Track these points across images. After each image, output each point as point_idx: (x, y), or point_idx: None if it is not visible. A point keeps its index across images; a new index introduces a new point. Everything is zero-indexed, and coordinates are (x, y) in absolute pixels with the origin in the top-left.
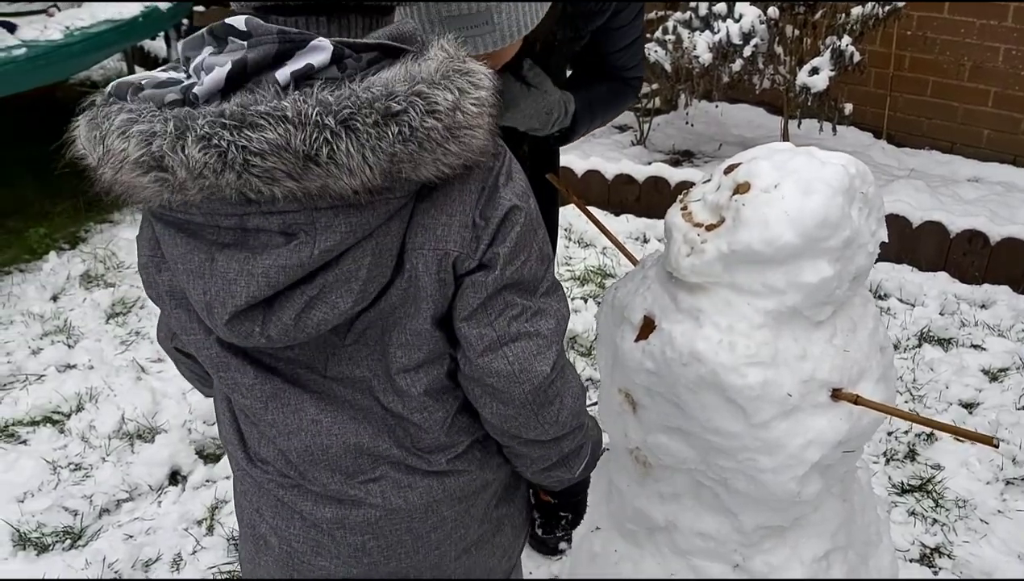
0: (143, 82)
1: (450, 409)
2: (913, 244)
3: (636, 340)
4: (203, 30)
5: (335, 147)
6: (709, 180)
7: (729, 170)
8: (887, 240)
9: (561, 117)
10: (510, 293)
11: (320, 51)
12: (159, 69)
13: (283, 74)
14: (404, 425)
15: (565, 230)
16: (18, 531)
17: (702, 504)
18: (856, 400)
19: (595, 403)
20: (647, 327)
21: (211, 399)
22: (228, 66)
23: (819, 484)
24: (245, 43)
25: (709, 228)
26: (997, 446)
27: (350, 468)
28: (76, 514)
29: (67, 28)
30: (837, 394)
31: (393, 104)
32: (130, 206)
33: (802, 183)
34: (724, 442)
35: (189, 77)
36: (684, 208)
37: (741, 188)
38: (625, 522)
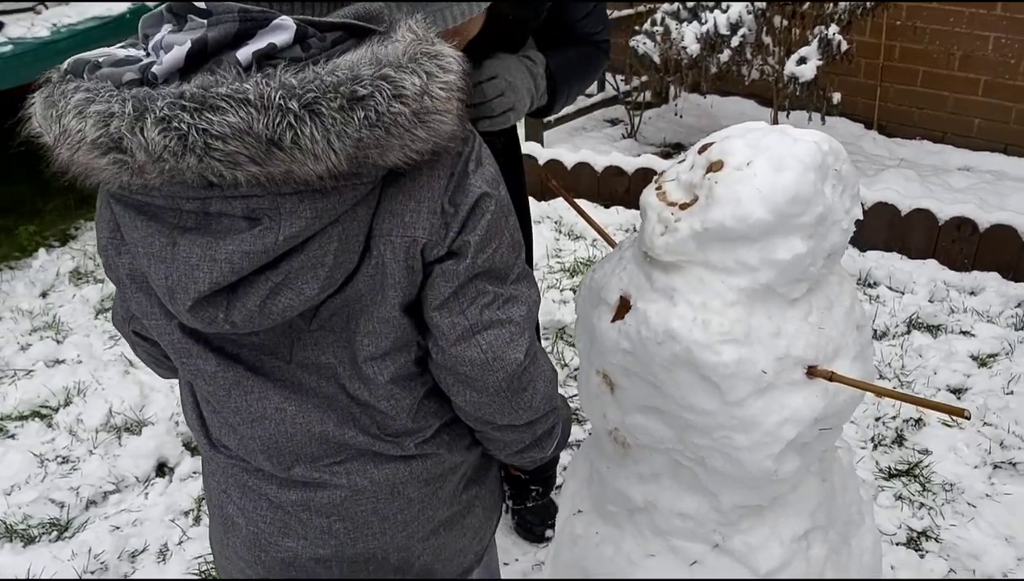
0: (100, 60)
1: (417, 395)
2: (902, 232)
3: (612, 320)
4: (162, 7)
5: (299, 132)
6: (684, 160)
7: (703, 149)
8: (861, 217)
9: (542, 87)
10: (482, 281)
11: (283, 30)
12: (117, 46)
13: (244, 54)
14: (370, 412)
15: (555, 223)
16: (4, 523)
17: (680, 484)
18: (831, 377)
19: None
20: (623, 307)
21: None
22: (187, 45)
23: (796, 462)
24: (205, 21)
25: (683, 207)
26: (969, 418)
27: (315, 454)
28: (63, 506)
29: (54, 25)
30: (812, 371)
31: (359, 88)
32: (87, 186)
33: (774, 160)
34: (699, 420)
35: (148, 55)
36: (659, 188)
37: (714, 166)
38: (606, 504)
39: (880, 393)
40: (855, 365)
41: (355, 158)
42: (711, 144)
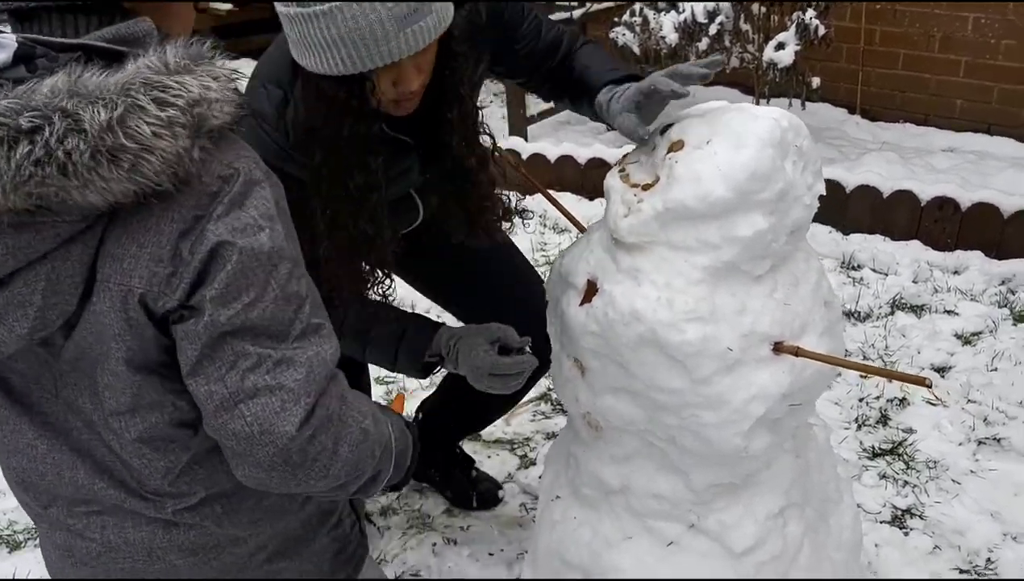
0: None
1: (177, 459)
2: (885, 214)
3: (581, 304)
4: None
5: None
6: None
7: (664, 130)
8: (824, 193)
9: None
10: (240, 341)
11: (1, 49)
12: None
13: None
14: (127, 466)
15: (540, 217)
16: None
17: (654, 465)
18: (797, 352)
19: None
20: (590, 291)
21: None
22: None
23: (767, 439)
24: None
25: (645, 188)
26: (930, 386)
27: (70, 498)
28: None
29: None
30: (778, 347)
31: (25, 120)
32: None
33: (733, 138)
34: (668, 399)
35: None
36: (622, 170)
37: (675, 146)
38: (582, 487)
39: (843, 365)
40: (823, 340)
41: (36, 195)
42: (671, 125)
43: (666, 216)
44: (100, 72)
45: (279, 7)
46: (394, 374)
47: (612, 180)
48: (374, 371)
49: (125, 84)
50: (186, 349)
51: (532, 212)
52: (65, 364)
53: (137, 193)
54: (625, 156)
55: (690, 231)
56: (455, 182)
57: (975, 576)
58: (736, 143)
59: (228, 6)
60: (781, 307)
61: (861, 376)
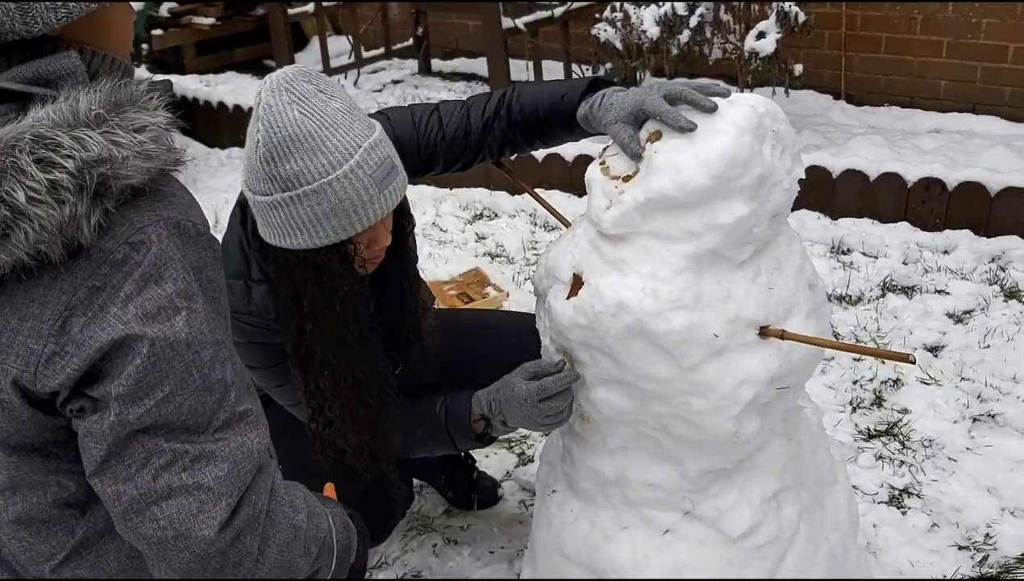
0: None
1: (60, 545)
2: (872, 197)
3: (567, 298)
4: None
5: None
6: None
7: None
8: (804, 177)
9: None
10: (152, 438)
11: None
12: None
13: None
14: (8, 549)
15: (530, 216)
16: None
17: (647, 454)
18: (783, 335)
19: None
20: (576, 284)
21: None
22: None
23: (757, 423)
24: None
25: (626, 179)
26: (914, 362)
27: None
28: None
29: None
30: (764, 331)
31: None
32: None
33: (710, 125)
34: (657, 388)
35: None
36: (602, 163)
37: (653, 136)
38: (578, 481)
39: (828, 346)
40: (809, 322)
41: None
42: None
43: (647, 206)
44: None
45: (257, 199)
46: None
47: (593, 173)
48: None
49: (11, 140)
50: (90, 447)
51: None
52: None
53: (16, 265)
54: (605, 148)
55: (672, 220)
56: (405, 316)
57: (974, 552)
58: (712, 130)
59: (211, 20)
60: (765, 292)
61: (855, 359)
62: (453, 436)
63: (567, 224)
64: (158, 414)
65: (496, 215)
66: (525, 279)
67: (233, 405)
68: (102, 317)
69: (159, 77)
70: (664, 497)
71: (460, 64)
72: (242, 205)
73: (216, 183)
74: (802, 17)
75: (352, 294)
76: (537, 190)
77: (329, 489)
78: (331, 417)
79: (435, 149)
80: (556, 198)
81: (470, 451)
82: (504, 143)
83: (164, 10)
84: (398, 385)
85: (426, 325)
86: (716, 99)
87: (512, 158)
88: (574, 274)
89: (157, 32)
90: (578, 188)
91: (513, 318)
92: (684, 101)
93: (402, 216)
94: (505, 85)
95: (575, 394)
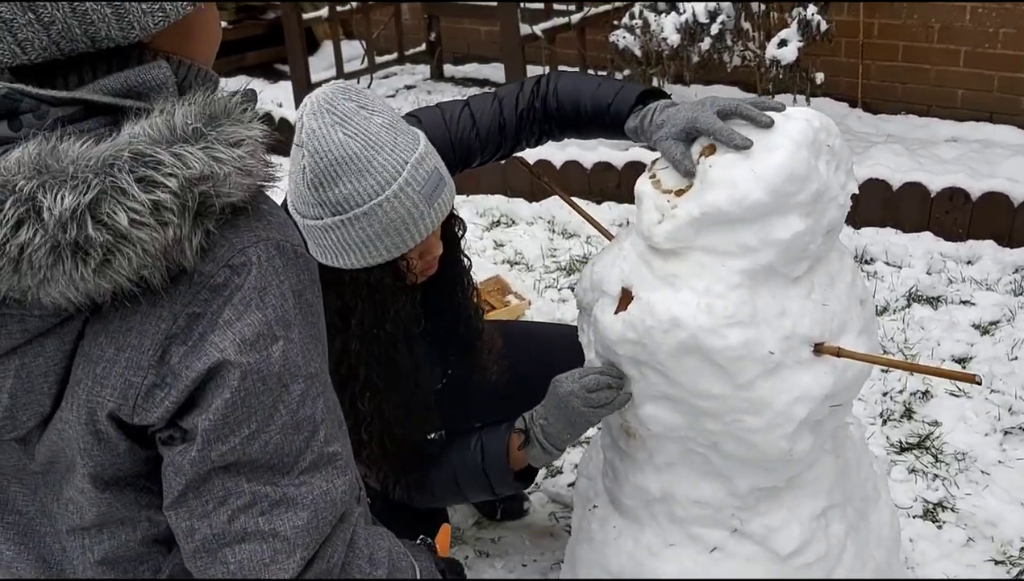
0: None
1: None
2: (895, 207)
3: (616, 312)
4: None
5: None
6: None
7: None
8: (857, 192)
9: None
10: (232, 476)
11: None
12: None
13: None
14: None
15: (548, 222)
16: None
17: (696, 471)
18: (839, 352)
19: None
20: (625, 298)
21: None
22: None
23: (810, 441)
24: None
25: (678, 193)
26: (980, 383)
27: None
28: None
29: None
30: (819, 348)
31: None
32: None
33: (766, 140)
34: (711, 405)
35: None
36: (653, 176)
37: (707, 150)
38: (622, 498)
39: (890, 365)
40: (861, 339)
41: None
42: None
43: (702, 221)
44: (84, 140)
45: (306, 223)
46: None
47: (643, 186)
48: None
49: (109, 158)
50: (170, 477)
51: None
52: (38, 466)
53: (116, 292)
54: (654, 161)
55: (727, 235)
56: (458, 322)
57: (1010, 567)
58: (770, 145)
59: (223, 23)
60: (819, 308)
61: (883, 371)
62: (489, 475)
63: (609, 237)
64: (242, 452)
65: (514, 222)
66: (546, 287)
67: (322, 445)
68: (201, 346)
69: (243, 84)
70: (712, 514)
71: (472, 69)
72: (285, 207)
73: None
74: (823, 26)
75: (403, 313)
76: (572, 198)
77: (444, 532)
78: (365, 439)
79: (470, 146)
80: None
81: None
82: (541, 134)
83: None
84: (449, 391)
85: (481, 330)
86: (771, 114)
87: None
88: (622, 288)
89: None
90: (597, 195)
91: (557, 329)
92: (739, 116)
93: (452, 221)
94: None
95: (622, 411)
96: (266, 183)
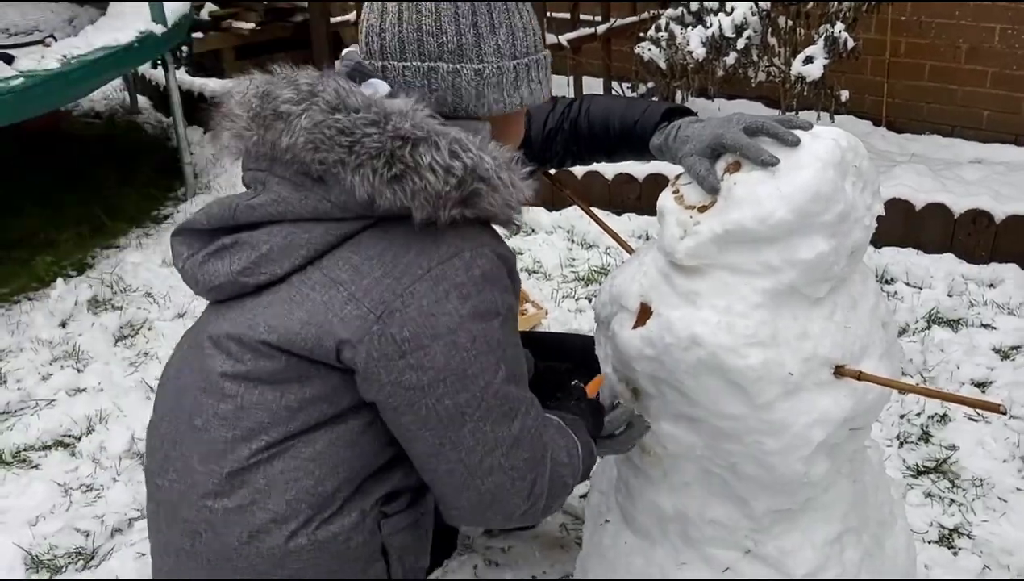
0: None
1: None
2: (917, 227)
3: (634, 327)
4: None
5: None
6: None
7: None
8: (883, 214)
9: None
10: (478, 422)
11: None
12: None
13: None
14: None
15: (567, 232)
16: (30, 554)
17: (711, 491)
18: (859, 376)
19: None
20: (644, 314)
21: None
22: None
23: (827, 464)
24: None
25: (702, 209)
26: (1005, 412)
27: None
28: (88, 535)
29: (64, 56)
30: (840, 371)
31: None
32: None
33: (793, 159)
34: (729, 426)
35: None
36: (676, 191)
37: (731, 167)
38: (635, 514)
39: (911, 391)
40: (882, 363)
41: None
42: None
43: (725, 238)
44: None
45: None
46: None
47: (666, 201)
48: None
49: (440, 130)
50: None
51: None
52: None
53: (390, 208)
54: (678, 177)
55: (750, 254)
56: None
57: None
58: (796, 163)
59: (251, 25)
60: (841, 330)
61: (900, 392)
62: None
63: (630, 250)
64: (481, 398)
65: (533, 231)
66: (564, 297)
67: (526, 393)
68: (442, 304)
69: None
70: (725, 535)
71: None
72: None
73: None
74: (851, 43)
75: None
76: (592, 209)
77: (596, 382)
78: None
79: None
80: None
81: None
82: (565, 155)
83: (205, 13)
84: None
85: None
86: (798, 132)
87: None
88: (642, 303)
89: (197, 35)
90: (617, 206)
91: (574, 340)
92: (765, 134)
93: None
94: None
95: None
96: (507, 223)
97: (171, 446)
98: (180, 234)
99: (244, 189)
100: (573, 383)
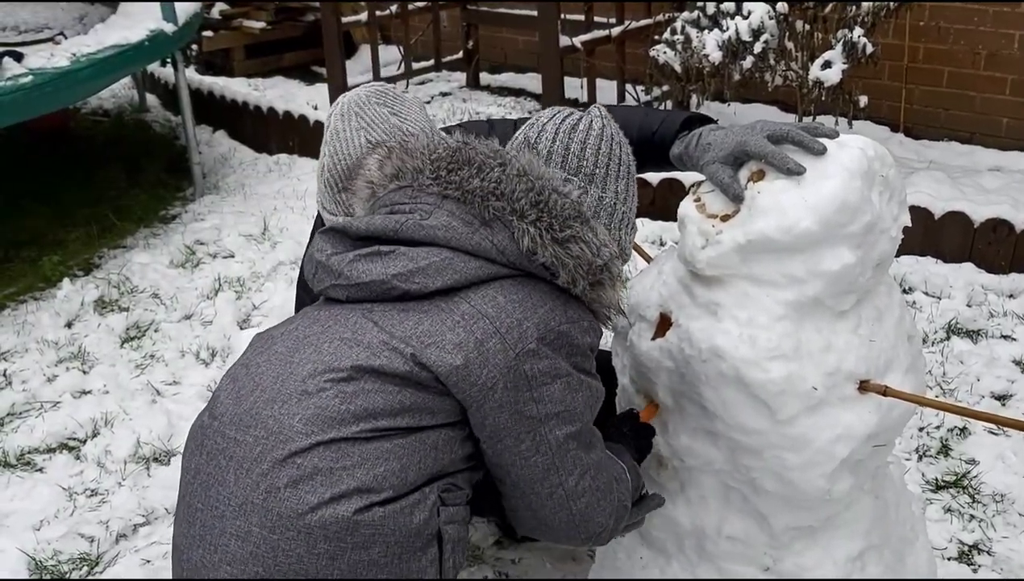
0: None
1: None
2: (936, 236)
3: (653, 338)
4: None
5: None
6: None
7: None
8: (910, 224)
9: None
10: (577, 451)
11: None
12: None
13: None
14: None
15: None
16: (34, 559)
17: (730, 507)
18: (885, 391)
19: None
20: (664, 324)
21: None
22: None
23: (850, 481)
24: None
25: (724, 218)
26: None
27: None
28: (92, 540)
29: (73, 55)
30: (864, 386)
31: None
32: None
33: (819, 167)
34: (749, 440)
35: None
36: (697, 199)
37: (755, 176)
38: (650, 528)
39: (940, 408)
40: (908, 377)
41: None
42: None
43: (748, 249)
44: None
45: (327, 217)
46: None
47: (687, 210)
48: None
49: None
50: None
51: None
52: None
53: (545, 265)
54: (698, 184)
55: (773, 264)
56: None
57: None
58: (822, 173)
59: (262, 24)
60: (866, 344)
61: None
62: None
63: (648, 258)
64: (581, 431)
65: None
66: None
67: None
68: (556, 357)
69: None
70: (744, 551)
71: (508, 79)
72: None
73: (264, 189)
74: (869, 48)
75: None
76: None
77: (648, 411)
78: None
79: None
80: None
81: None
82: None
83: (215, 11)
84: None
85: None
86: (824, 140)
87: None
88: (661, 313)
89: (207, 34)
90: None
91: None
92: (789, 142)
93: None
94: (558, 103)
95: (656, 439)
96: (602, 319)
97: (265, 404)
98: (329, 233)
99: (383, 208)
100: (629, 409)
